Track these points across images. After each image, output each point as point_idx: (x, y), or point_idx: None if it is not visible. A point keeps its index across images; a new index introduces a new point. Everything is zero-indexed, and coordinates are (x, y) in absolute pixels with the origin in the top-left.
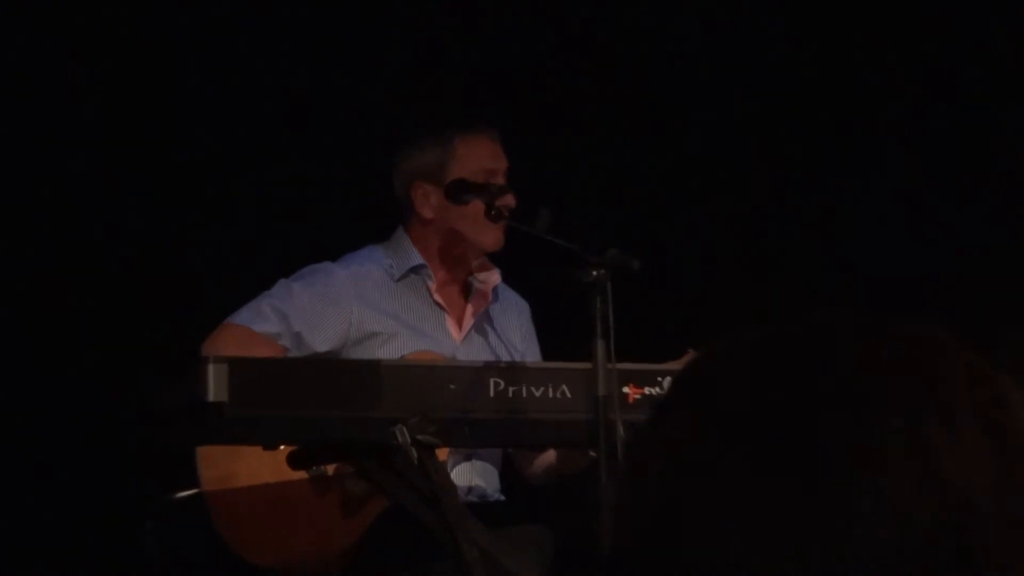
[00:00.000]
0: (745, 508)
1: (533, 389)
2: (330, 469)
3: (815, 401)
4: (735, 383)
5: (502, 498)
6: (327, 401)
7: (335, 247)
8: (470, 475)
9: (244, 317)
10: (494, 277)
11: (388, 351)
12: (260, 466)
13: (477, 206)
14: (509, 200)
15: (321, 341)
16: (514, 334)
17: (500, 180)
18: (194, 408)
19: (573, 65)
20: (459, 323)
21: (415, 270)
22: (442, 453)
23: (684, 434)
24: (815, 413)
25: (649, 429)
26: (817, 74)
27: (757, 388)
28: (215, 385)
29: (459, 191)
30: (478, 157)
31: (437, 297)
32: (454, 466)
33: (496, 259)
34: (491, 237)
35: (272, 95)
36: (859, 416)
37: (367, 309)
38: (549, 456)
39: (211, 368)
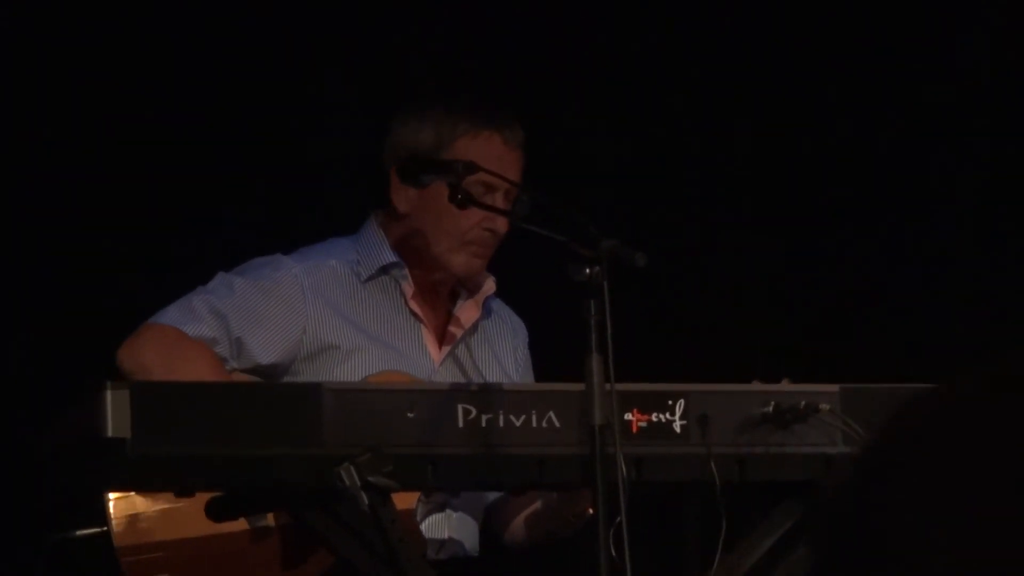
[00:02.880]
0: None
1: (512, 417)
2: (269, 516)
3: None
4: None
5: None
6: (256, 435)
7: (291, 239)
8: (444, 528)
9: (172, 316)
10: (487, 285)
11: (348, 369)
12: (178, 505)
13: (439, 190)
14: (498, 223)
15: (265, 351)
16: (507, 360)
17: (496, 199)
18: (91, 445)
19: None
20: (439, 339)
21: (386, 269)
22: (410, 499)
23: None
24: None
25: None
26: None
27: None
28: (115, 417)
29: (412, 168)
30: (480, 159)
31: (413, 305)
32: (425, 516)
33: None
34: (461, 256)
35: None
36: None
37: (326, 314)
38: (534, 508)
39: (109, 396)
